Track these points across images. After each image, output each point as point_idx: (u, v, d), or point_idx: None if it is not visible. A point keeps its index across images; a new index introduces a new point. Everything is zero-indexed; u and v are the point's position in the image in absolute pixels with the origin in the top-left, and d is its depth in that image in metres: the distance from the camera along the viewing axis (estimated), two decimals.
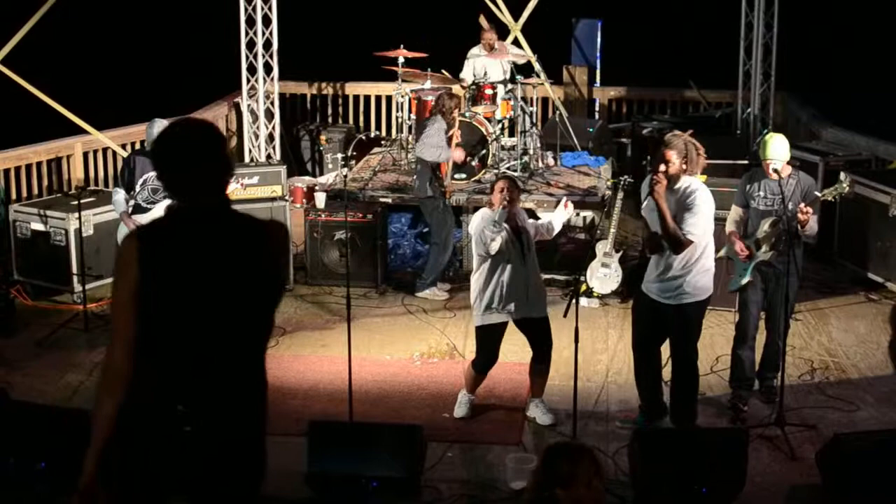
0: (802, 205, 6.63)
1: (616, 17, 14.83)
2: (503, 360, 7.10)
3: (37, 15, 11.06)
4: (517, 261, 6.69)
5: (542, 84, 11.93)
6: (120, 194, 8.06)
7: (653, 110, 13.48)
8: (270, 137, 11.94)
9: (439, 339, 8.33)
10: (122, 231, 7.80)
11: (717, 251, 6.62)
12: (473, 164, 10.37)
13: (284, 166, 9.85)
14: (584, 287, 8.87)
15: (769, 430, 6.65)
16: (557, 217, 7.15)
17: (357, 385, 6.91)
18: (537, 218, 7.53)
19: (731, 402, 7.06)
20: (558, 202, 7.38)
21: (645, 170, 8.85)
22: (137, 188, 7.99)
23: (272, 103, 11.90)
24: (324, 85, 13.93)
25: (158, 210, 7.74)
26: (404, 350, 8.14)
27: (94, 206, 9.07)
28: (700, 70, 13.57)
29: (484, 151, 10.38)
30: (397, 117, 11.86)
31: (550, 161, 11.22)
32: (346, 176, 9.21)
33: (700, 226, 6.28)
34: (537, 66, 12.05)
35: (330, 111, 13.97)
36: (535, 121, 11.45)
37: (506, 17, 12.88)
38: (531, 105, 11.35)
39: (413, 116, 11.22)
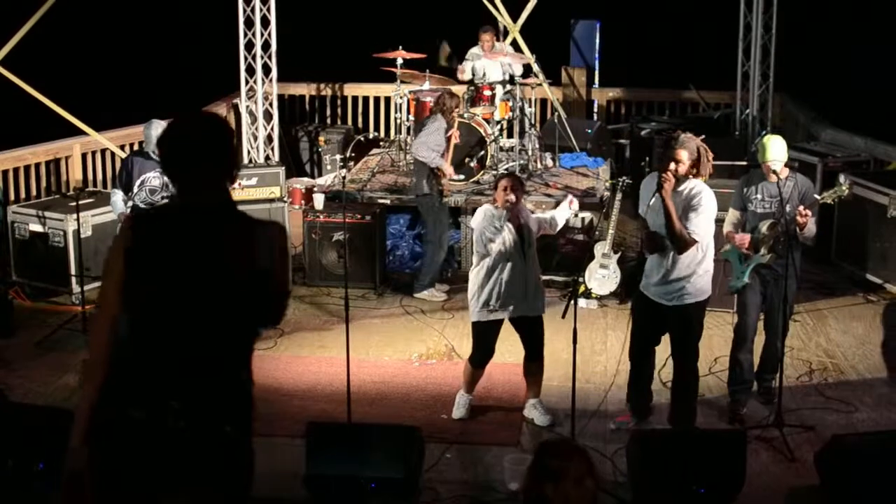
0: (801, 207, 6.63)
1: (614, 18, 14.84)
2: (501, 361, 7.10)
3: (35, 16, 11.06)
4: (518, 258, 6.70)
5: (541, 85, 11.94)
6: (118, 195, 8.05)
7: (651, 111, 13.50)
8: (269, 139, 11.94)
9: (437, 341, 8.33)
10: None
11: (715, 252, 6.62)
12: (472, 165, 10.37)
13: (283, 167, 9.86)
14: (582, 288, 8.87)
15: (768, 431, 6.65)
16: (561, 213, 7.19)
17: (355, 386, 6.91)
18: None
19: (729, 406, 7.06)
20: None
21: (643, 171, 8.85)
22: (135, 189, 7.98)
23: (271, 104, 11.90)
24: (322, 86, 13.93)
25: None
26: (403, 351, 8.15)
27: (92, 208, 9.06)
28: (699, 71, 13.58)
29: (483, 152, 10.38)
30: (396, 118, 11.87)
31: (549, 162, 11.23)
32: (344, 177, 9.23)
33: (703, 226, 6.31)
34: (536, 67, 12.06)
35: (328, 112, 13.99)
36: (533, 122, 11.46)
37: (504, 17, 12.89)
38: (530, 106, 11.36)
39: (412, 117, 11.22)
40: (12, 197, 9.81)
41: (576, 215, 9.24)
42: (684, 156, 6.30)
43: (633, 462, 5.93)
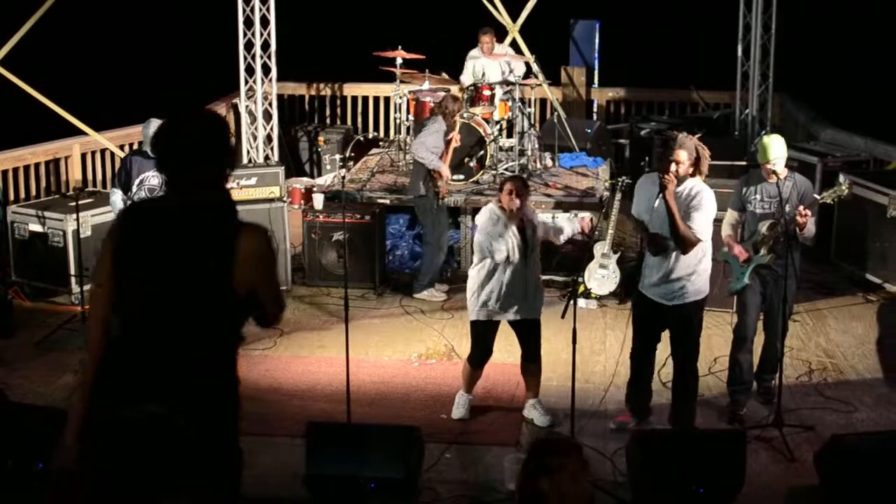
0: (801, 207, 6.63)
1: (614, 17, 14.84)
2: (501, 361, 7.09)
3: (35, 16, 11.07)
4: (519, 261, 6.70)
5: (541, 85, 11.94)
6: (117, 195, 8.06)
7: (651, 111, 13.49)
8: (268, 138, 11.94)
9: (437, 341, 8.33)
10: None
11: (714, 253, 6.63)
12: (471, 165, 10.37)
13: (282, 167, 9.85)
14: (582, 288, 8.87)
15: (767, 431, 6.65)
16: (568, 225, 7.20)
17: (355, 386, 6.91)
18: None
19: (729, 407, 7.06)
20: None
21: (643, 170, 8.84)
22: (134, 189, 7.99)
23: (270, 104, 11.89)
24: (322, 86, 13.93)
25: None
26: (402, 351, 8.14)
27: (91, 208, 9.06)
28: (698, 71, 13.58)
29: (482, 153, 10.38)
30: (395, 118, 11.87)
31: (548, 162, 11.23)
32: (344, 177, 9.22)
33: (704, 225, 6.32)
34: (535, 67, 12.05)
35: (328, 112, 13.98)
36: (533, 122, 11.46)
37: (504, 17, 12.89)
38: (529, 106, 11.36)
39: (411, 117, 11.22)
40: (12, 197, 9.81)
41: (575, 215, 9.22)
42: (683, 156, 6.31)
43: (632, 462, 5.93)
